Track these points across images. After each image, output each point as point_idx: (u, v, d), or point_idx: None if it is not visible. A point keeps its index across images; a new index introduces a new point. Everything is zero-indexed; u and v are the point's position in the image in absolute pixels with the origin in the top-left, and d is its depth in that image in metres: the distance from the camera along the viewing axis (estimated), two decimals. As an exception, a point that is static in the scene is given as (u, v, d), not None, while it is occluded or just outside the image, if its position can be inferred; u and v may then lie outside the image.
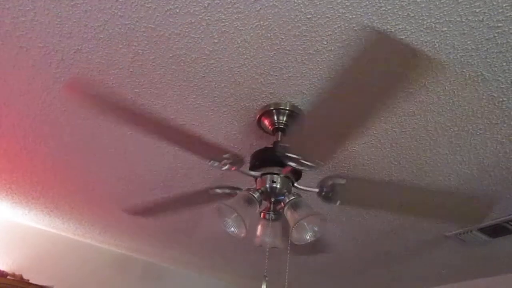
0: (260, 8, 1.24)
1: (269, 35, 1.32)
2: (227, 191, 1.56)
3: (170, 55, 1.46)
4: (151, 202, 1.83)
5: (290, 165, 1.37)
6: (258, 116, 1.66)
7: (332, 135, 1.30)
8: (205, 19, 1.30)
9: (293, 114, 1.62)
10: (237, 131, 1.80)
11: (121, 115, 1.45)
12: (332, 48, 1.34)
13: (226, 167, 1.40)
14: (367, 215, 2.33)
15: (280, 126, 1.62)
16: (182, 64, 1.49)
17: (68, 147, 2.10)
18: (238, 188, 1.57)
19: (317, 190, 1.47)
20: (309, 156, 1.34)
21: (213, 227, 2.64)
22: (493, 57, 1.29)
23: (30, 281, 2.66)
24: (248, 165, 1.53)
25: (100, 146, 2.04)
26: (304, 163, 1.34)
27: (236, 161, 1.41)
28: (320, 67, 1.42)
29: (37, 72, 1.62)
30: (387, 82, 1.04)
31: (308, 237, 1.35)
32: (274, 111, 1.62)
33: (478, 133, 1.63)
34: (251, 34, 1.33)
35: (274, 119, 1.63)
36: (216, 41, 1.37)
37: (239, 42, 1.37)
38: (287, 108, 1.61)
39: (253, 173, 1.46)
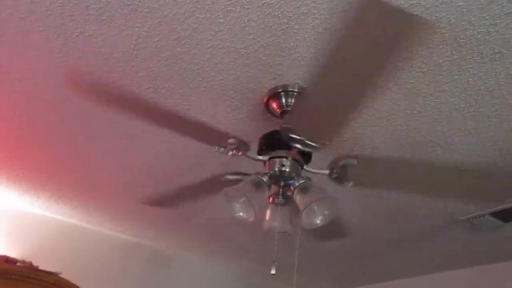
0: (267, -15, 1.19)
1: (276, 13, 1.27)
2: (238, 177, 1.53)
3: (175, 37, 1.42)
4: (165, 191, 1.81)
5: (296, 147, 1.33)
6: (265, 99, 1.61)
7: (337, 109, 1.25)
8: (210, -2, 1.25)
9: (302, 96, 1.57)
10: (244, 115, 1.75)
11: (124, 106, 1.41)
12: (340, 27, 1.29)
13: (232, 152, 1.37)
14: (376, 199, 2.29)
15: (288, 108, 1.58)
16: (187, 45, 1.44)
17: (74, 135, 2.07)
18: (249, 174, 1.53)
19: (327, 172, 1.43)
20: (315, 137, 1.30)
21: (219, 212, 2.62)
22: (512, 33, 1.23)
23: (39, 267, 2.67)
24: (255, 149, 1.49)
25: (106, 133, 2.02)
26: (309, 144, 1.30)
27: (242, 146, 1.38)
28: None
29: (40, 57, 1.58)
30: (385, 50, 0.99)
31: (318, 221, 1.32)
32: (282, 93, 1.58)
33: (493, 114, 1.58)
34: (258, 13, 1.28)
35: (282, 102, 1.58)
36: (221, 21, 1.33)
37: (245, 21, 1.32)
38: (296, 90, 1.56)
39: (260, 157, 1.42)
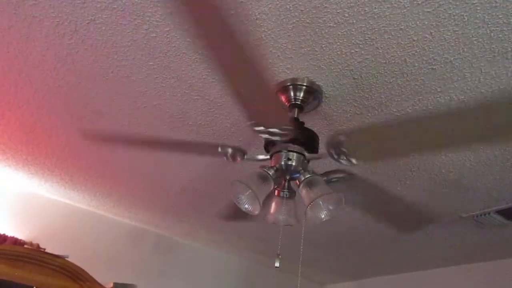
0: (280, -23, 1.18)
1: (288, 6, 1.26)
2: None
3: (185, 27, 1.42)
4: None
5: (334, 158, 1.34)
6: (275, 91, 1.61)
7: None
8: (221, -11, 1.25)
9: (311, 90, 1.57)
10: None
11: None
12: (354, 21, 1.28)
13: (229, 160, 1.39)
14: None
15: (297, 102, 1.58)
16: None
17: (82, 120, 2.09)
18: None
19: (328, 156, 1.43)
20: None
21: (225, 202, 2.64)
22: (526, 32, 1.22)
23: (46, 250, 2.71)
24: (253, 150, 1.50)
25: (114, 120, 2.03)
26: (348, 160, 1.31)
27: (236, 153, 1.39)
28: (341, 41, 1.36)
29: (51, 43, 1.59)
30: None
31: (323, 216, 1.33)
32: (291, 86, 1.57)
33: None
34: (270, 6, 1.27)
35: (291, 95, 1.58)
36: (232, 12, 1.32)
37: (256, 14, 1.31)
38: (305, 84, 1.56)
39: (261, 157, 1.43)
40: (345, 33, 1.32)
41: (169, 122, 1.97)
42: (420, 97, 1.55)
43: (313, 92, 1.57)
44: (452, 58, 1.35)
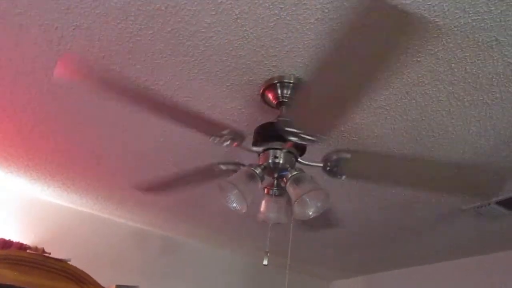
0: (256, -24, 1.18)
1: (267, 4, 1.26)
2: (231, 167, 1.54)
3: (168, 29, 1.43)
4: (160, 178, 1.84)
5: (291, 140, 1.33)
6: (261, 90, 1.61)
7: (334, 105, 1.25)
8: (200, -10, 1.25)
9: (298, 87, 1.57)
10: (241, 106, 1.76)
11: (120, 94, 1.43)
12: (334, 17, 1.27)
13: (227, 143, 1.38)
14: (380, 188, 2.28)
15: (284, 100, 1.58)
16: (181, 38, 1.45)
17: (78, 125, 2.11)
18: (242, 164, 1.54)
19: (321, 165, 1.43)
20: (311, 130, 1.30)
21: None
22: (508, 20, 1.20)
23: (51, 254, 2.75)
24: (250, 140, 1.50)
25: (109, 123, 2.05)
26: (305, 137, 1.30)
27: (237, 137, 1.38)
28: (323, 37, 1.35)
29: (40, 50, 1.61)
30: (385, 49, 0.98)
31: (310, 213, 1.33)
32: (277, 84, 1.57)
33: (494, 103, 1.55)
34: (249, 4, 1.27)
35: (278, 93, 1.58)
36: (213, 13, 1.33)
37: (237, 13, 1.31)
38: (291, 81, 1.56)
39: (255, 148, 1.43)
40: (326, 29, 1.32)
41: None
42: (408, 90, 1.54)
43: (300, 89, 1.57)
44: (436, 50, 1.34)
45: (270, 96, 1.60)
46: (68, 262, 2.52)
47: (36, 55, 1.64)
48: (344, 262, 3.85)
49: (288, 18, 1.30)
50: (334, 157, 1.40)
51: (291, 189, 1.34)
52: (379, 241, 3.14)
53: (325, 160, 1.42)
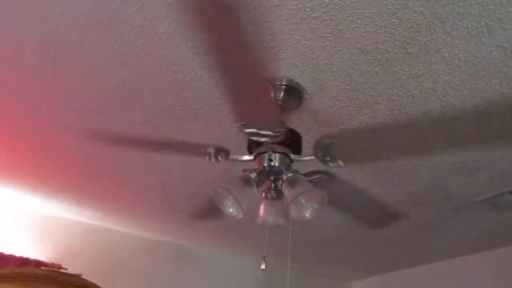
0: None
1: (249, 7, 1.25)
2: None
3: (157, 39, 1.44)
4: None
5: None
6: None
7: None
8: None
9: (291, 88, 1.55)
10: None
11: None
12: (317, 15, 1.26)
13: (212, 160, 1.39)
14: (390, 184, 2.24)
15: (278, 102, 1.57)
16: (170, 47, 1.45)
17: (88, 146, 2.16)
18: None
19: (314, 157, 1.41)
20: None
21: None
22: (496, 3, 1.16)
23: (68, 269, 2.80)
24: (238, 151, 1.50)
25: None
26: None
27: (220, 153, 1.39)
28: (309, 36, 1.34)
29: (35, 71, 1.65)
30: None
31: (307, 215, 1.31)
32: (270, 87, 1.56)
33: (493, 89, 1.50)
34: (230, 8, 1.27)
35: (271, 96, 1.57)
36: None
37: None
38: (284, 83, 1.55)
39: (245, 157, 1.42)
40: (311, 27, 1.30)
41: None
42: (403, 83, 1.50)
43: (293, 91, 1.56)
44: (425, 40, 1.31)
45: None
46: (81, 277, 2.55)
47: (33, 76, 1.68)
48: (362, 263, 3.79)
49: (271, 20, 1.29)
50: (321, 145, 1.37)
51: (286, 191, 1.33)
52: (390, 239, 3.08)
53: (316, 151, 1.39)
